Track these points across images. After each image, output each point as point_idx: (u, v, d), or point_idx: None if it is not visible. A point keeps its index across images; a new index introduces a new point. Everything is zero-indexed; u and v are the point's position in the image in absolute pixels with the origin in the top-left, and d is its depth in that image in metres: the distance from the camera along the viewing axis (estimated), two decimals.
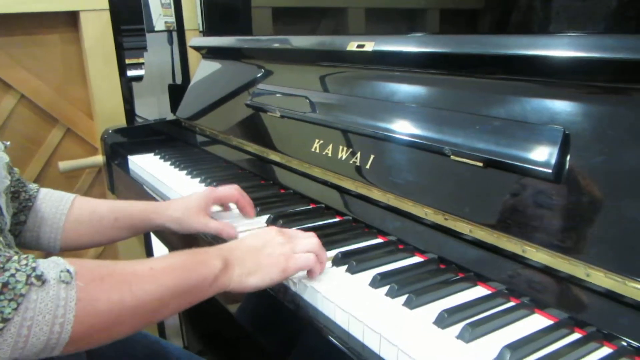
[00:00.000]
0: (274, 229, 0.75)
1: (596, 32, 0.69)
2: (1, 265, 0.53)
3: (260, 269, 0.69)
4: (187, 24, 1.76)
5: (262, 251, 0.70)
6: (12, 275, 0.52)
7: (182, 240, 1.03)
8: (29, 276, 0.53)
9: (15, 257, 0.54)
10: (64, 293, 0.53)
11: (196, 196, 0.92)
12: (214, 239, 0.90)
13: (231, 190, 0.94)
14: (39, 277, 0.53)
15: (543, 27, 0.79)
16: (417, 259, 0.79)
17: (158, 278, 0.61)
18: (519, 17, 0.81)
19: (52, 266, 0.55)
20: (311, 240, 0.73)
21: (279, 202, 1.02)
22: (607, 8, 0.69)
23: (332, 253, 0.78)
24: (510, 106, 0.74)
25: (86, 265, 0.57)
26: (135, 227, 0.92)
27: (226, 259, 0.68)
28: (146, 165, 1.35)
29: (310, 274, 0.71)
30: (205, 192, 0.93)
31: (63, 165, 1.83)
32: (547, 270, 0.64)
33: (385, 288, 0.69)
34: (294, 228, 0.78)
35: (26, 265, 0.54)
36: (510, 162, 0.69)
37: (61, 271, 0.55)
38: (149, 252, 1.87)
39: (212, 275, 0.65)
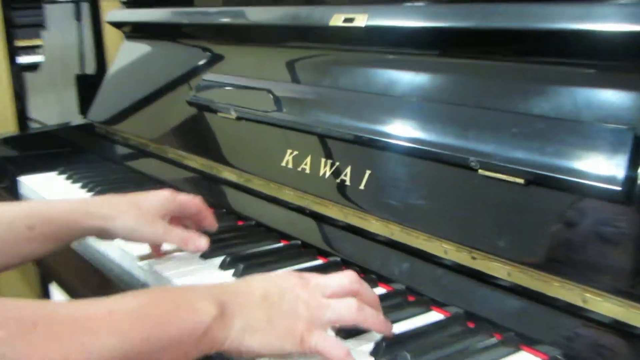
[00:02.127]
0: (294, 274, 0.73)
1: None
2: None
3: (271, 328, 0.66)
4: None
5: (277, 303, 0.68)
6: None
7: (96, 288, 1.01)
8: None
9: None
10: None
11: (154, 197, 0.94)
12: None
13: (193, 198, 0.97)
14: None
15: None
16: (435, 316, 0.78)
17: (121, 327, 0.58)
18: None
19: None
20: (350, 303, 0.69)
21: (235, 238, 1.01)
22: None
23: None
24: (558, 100, 0.75)
25: (11, 307, 0.55)
26: (62, 235, 0.90)
27: (222, 304, 0.65)
28: (46, 189, 1.32)
29: None
30: (164, 194, 0.95)
31: None
32: (618, 327, 0.64)
33: None
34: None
35: None
36: (561, 177, 0.69)
37: None
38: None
39: (203, 326, 0.63)
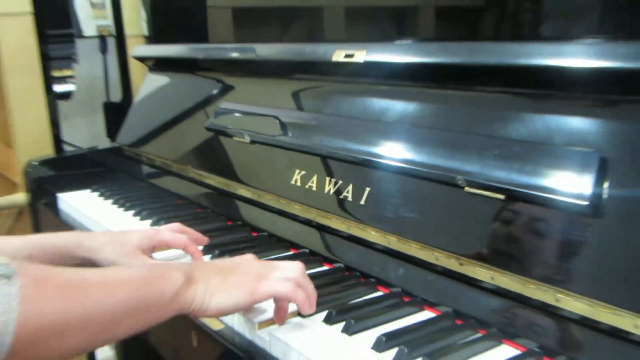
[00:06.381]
0: (251, 255, 0.80)
1: (635, 39, 0.73)
2: None
3: (225, 288, 0.73)
4: (128, 29, 1.76)
5: (231, 272, 0.75)
6: None
7: None
8: None
9: None
10: (6, 288, 0.55)
11: (135, 233, 0.96)
12: None
13: (178, 235, 0.97)
14: None
15: (563, 31, 0.85)
16: (428, 314, 0.79)
17: (111, 288, 0.64)
18: (530, 18, 0.89)
19: None
20: (292, 265, 0.77)
21: (250, 247, 1.02)
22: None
23: (323, 311, 0.78)
24: (533, 126, 0.77)
25: (26, 264, 0.60)
26: (56, 262, 0.88)
27: (189, 274, 0.72)
28: (81, 204, 1.35)
29: (299, 308, 0.75)
30: (147, 231, 0.97)
31: None
32: (586, 323, 0.66)
33: (393, 351, 0.68)
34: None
35: None
36: (536, 193, 0.71)
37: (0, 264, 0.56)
38: None
39: (173, 290, 0.69)
